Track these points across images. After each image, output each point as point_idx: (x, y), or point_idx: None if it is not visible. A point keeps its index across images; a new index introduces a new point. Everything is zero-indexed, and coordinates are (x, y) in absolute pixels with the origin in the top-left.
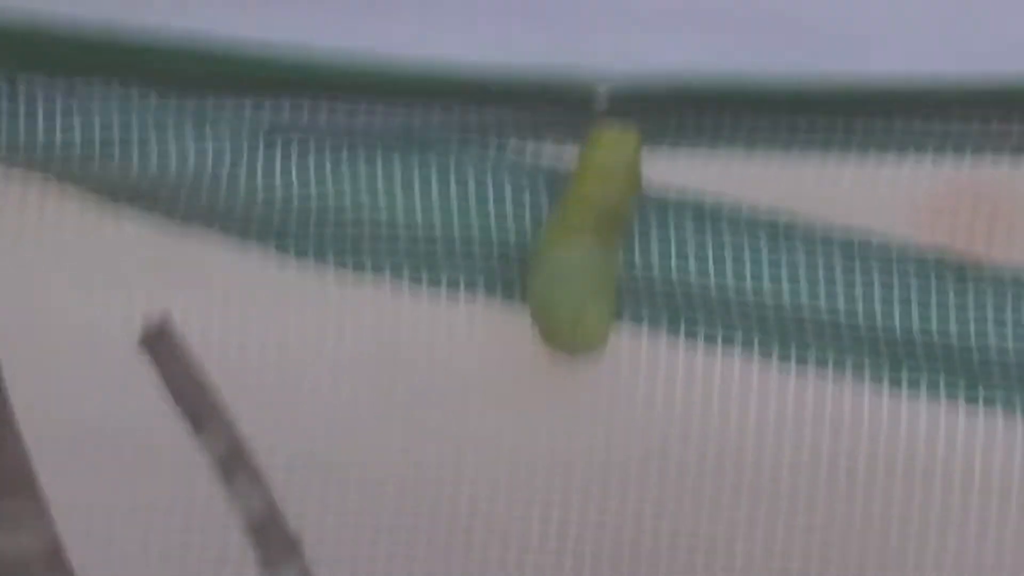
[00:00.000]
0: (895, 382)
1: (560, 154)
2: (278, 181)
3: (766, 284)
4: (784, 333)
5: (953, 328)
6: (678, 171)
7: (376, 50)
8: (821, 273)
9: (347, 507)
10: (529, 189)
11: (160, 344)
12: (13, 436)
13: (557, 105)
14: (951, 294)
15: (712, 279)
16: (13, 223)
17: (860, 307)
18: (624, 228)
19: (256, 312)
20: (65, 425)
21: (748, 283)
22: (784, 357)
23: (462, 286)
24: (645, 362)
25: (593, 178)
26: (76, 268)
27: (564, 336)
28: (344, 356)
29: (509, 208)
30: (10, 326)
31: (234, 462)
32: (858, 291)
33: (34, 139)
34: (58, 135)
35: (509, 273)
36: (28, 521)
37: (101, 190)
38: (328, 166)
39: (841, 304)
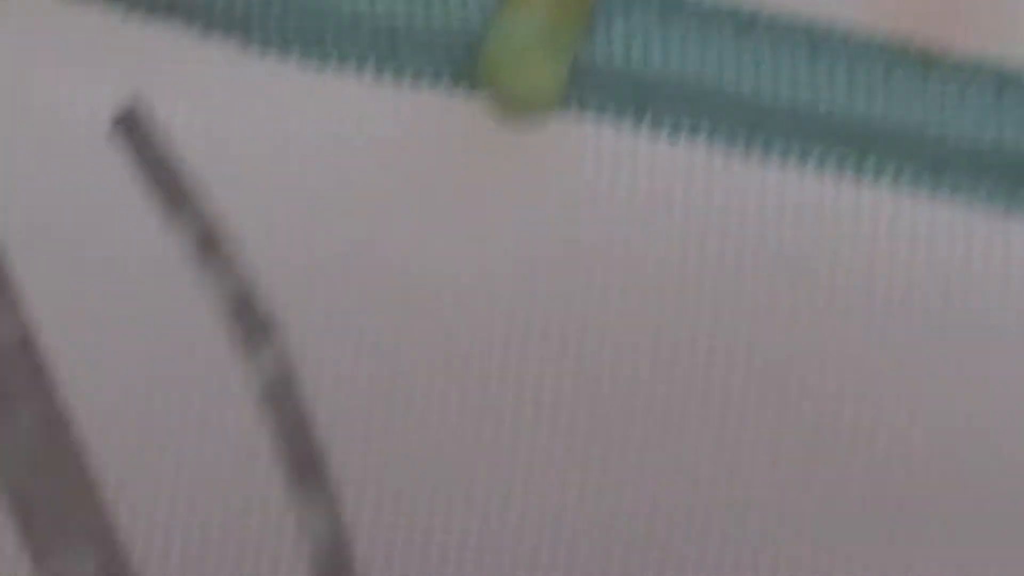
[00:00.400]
0: (859, 171)
1: None
2: None
3: (728, 74)
4: (750, 124)
5: (916, 117)
6: None
7: None
8: (784, 63)
9: (323, 278)
10: None
11: (132, 129)
12: None
13: None
14: (913, 82)
15: (676, 67)
16: None
17: (824, 96)
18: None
19: (224, 101)
20: (35, 213)
21: (711, 72)
22: (748, 148)
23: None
24: (607, 152)
25: None
26: (44, 55)
27: (508, 76)
28: (310, 146)
29: None
30: None
31: (208, 246)
32: (821, 80)
33: None
34: None
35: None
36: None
37: None
38: None
39: (804, 94)
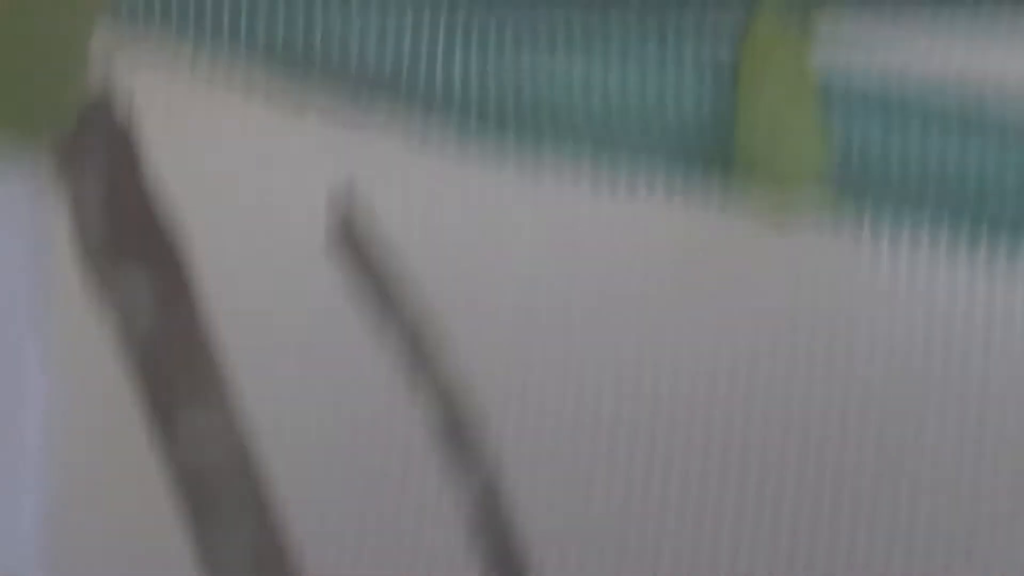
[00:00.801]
0: None
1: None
2: (456, 73)
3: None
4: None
5: None
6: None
7: None
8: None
9: (529, 396)
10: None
11: (348, 235)
12: (207, 340)
13: None
14: None
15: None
16: (204, 120)
17: None
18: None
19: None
20: (248, 322)
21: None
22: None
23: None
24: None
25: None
26: (264, 161)
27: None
28: (528, 248)
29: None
30: (205, 223)
31: (417, 351)
32: None
33: (220, 38)
34: (242, 34)
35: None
36: (219, 428)
37: (289, 84)
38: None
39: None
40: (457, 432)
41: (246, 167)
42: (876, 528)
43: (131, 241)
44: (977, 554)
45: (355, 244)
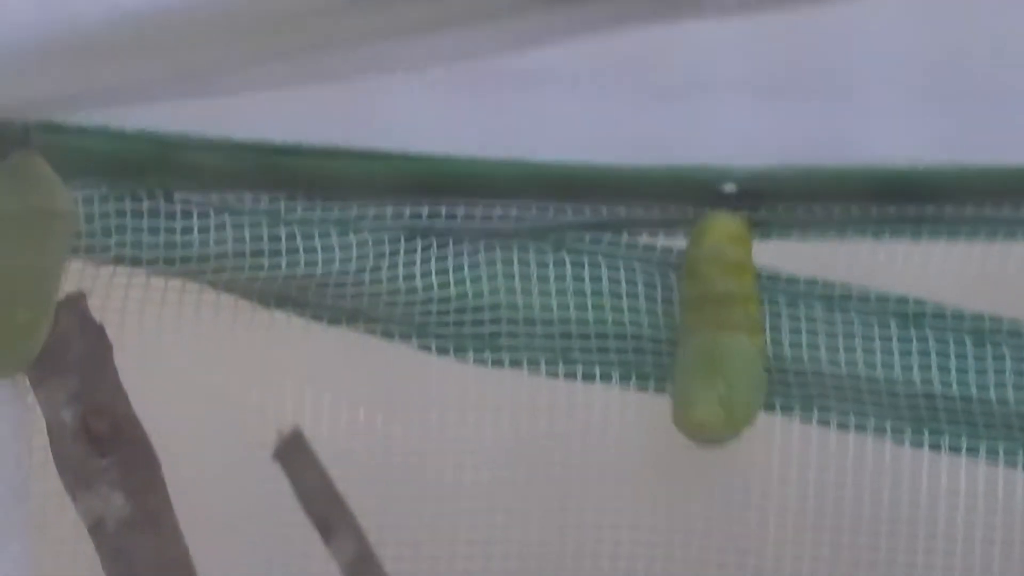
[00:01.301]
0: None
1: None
2: (418, 279)
3: (897, 370)
4: (917, 418)
5: None
6: (803, 259)
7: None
8: (952, 359)
9: None
10: (660, 280)
11: (293, 455)
12: (175, 533)
13: (686, 201)
14: None
15: (843, 365)
16: (170, 327)
17: (992, 393)
18: (754, 316)
19: (397, 409)
20: (192, 520)
21: (879, 369)
22: (916, 442)
23: (598, 377)
24: (779, 447)
25: (692, 280)
26: (221, 365)
27: (679, 424)
28: (484, 451)
29: (642, 300)
30: (153, 421)
31: (361, 569)
32: (990, 376)
33: (190, 251)
34: (212, 246)
35: (644, 363)
36: None
37: (251, 294)
38: (466, 264)
39: (974, 390)
40: None
41: (202, 363)
42: None
43: (102, 440)
44: None
45: (297, 454)
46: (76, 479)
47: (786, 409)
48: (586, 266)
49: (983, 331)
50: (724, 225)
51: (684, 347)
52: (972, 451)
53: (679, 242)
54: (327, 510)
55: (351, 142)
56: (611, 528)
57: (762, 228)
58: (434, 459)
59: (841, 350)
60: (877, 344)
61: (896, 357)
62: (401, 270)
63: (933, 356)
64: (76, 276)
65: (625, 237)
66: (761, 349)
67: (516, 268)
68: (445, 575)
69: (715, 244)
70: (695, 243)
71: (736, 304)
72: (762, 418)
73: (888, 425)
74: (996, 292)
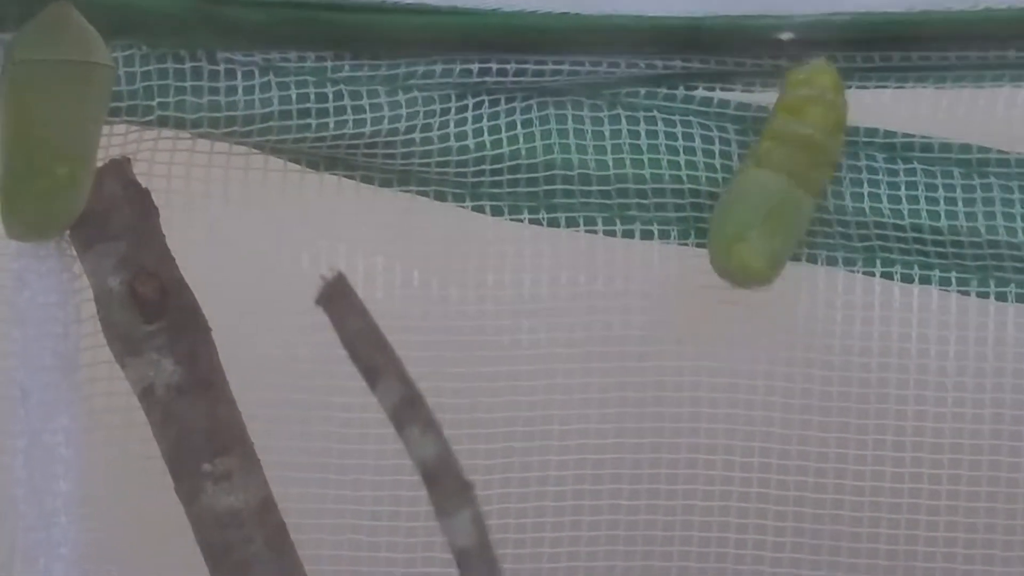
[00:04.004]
0: None
1: (748, 100)
2: (470, 139)
3: (961, 219)
4: (983, 268)
5: None
6: (866, 108)
7: (561, 7)
8: (1017, 207)
9: (524, 456)
10: (718, 135)
11: (337, 300)
12: (226, 397)
13: (742, 52)
14: None
15: (906, 216)
16: (218, 191)
17: None
18: (830, 171)
19: (452, 265)
20: (242, 384)
21: (942, 219)
22: (983, 294)
23: (656, 235)
24: (841, 301)
25: (789, 116)
26: (272, 230)
27: (719, 260)
28: (531, 306)
29: (699, 155)
30: (210, 287)
31: (408, 412)
32: None
33: (235, 112)
34: (257, 107)
35: (703, 220)
36: (241, 477)
37: (300, 157)
38: (519, 122)
39: None
40: (444, 471)
41: (252, 228)
42: None
43: (150, 306)
44: None
45: (342, 299)
46: (124, 346)
47: (848, 262)
48: (641, 122)
49: None
50: (832, 75)
51: (744, 177)
52: None
53: (736, 95)
54: (372, 354)
55: None
56: (672, 387)
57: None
58: (490, 319)
59: (903, 200)
60: (940, 193)
61: (960, 206)
62: (452, 129)
63: (998, 204)
64: (121, 141)
65: (681, 91)
66: (815, 206)
67: (570, 125)
68: (496, 423)
69: (824, 89)
70: (804, 83)
71: (820, 162)
72: (824, 272)
73: (953, 276)
74: None
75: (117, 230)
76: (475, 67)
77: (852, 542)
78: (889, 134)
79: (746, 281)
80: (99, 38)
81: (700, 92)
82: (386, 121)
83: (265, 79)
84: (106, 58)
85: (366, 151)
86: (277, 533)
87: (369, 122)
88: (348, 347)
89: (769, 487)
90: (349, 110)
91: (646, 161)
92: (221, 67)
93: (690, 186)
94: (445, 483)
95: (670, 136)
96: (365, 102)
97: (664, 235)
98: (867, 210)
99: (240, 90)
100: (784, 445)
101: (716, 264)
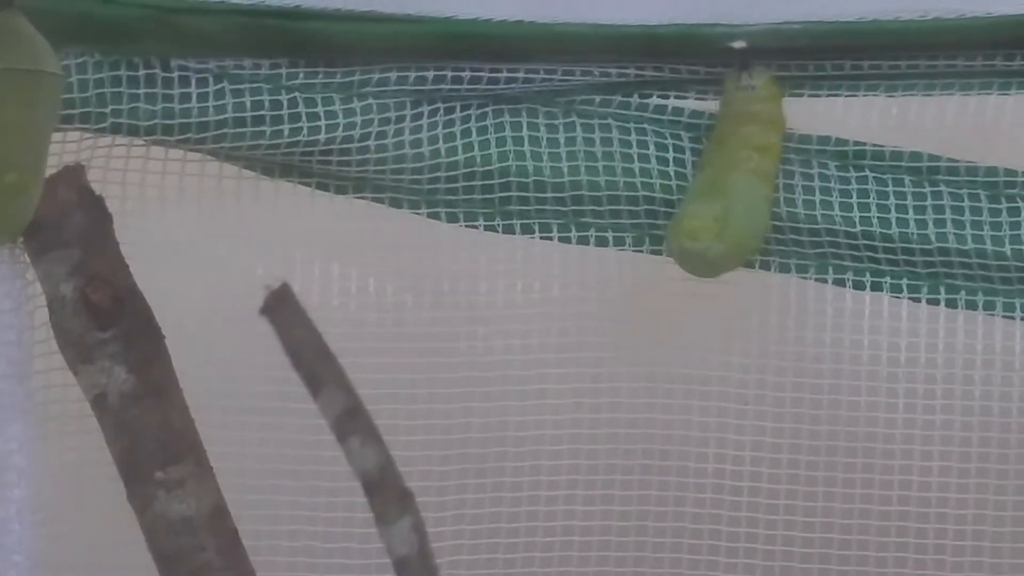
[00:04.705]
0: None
1: (701, 108)
2: (425, 146)
3: (912, 226)
4: (933, 275)
5: None
6: (818, 116)
7: (515, 15)
8: (967, 214)
9: (479, 463)
10: (672, 143)
11: (281, 310)
12: (180, 404)
13: (696, 60)
14: None
15: (857, 223)
16: (173, 198)
17: (1008, 247)
18: (771, 169)
19: (407, 272)
20: (195, 391)
21: (893, 226)
22: (933, 300)
23: (611, 242)
24: (794, 308)
25: (734, 123)
26: (227, 237)
27: (671, 240)
28: (486, 313)
29: (654, 163)
30: (164, 295)
31: (349, 422)
32: (1005, 231)
33: (189, 119)
34: (211, 114)
35: (657, 227)
36: (193, 485)
37: (254, 164)
38: (474, 129)
39: (989, 245)
40: (384, 481)
41: (206, 235)
42: None
43: (103, 313)
44: None
45: (285, 308)
46: (77, 353)
47: (801, 269)
48: (596, 129)
49: (998, 185)
50: (770, 86)
51: (692, 183)
52: (989, 307)
53: (690, 103)
54: (314, 364)
55: (352, 5)
56: (627, 393)
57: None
58: (446, 327)
59: (855, 208)
60: (892, 201)
61: (911, 213)
62: (407, 136)
63: (947, 212)
64: (75, 148)
65: (636, 99)
66: (768, 199)
67: (525, 133)
68: (451, 429)
69: (754, 100)
70: (737, 98)
71: (758, 151)
72: (777, 279)
73: (904, 283)
74: (1013, 146)
75: (70, 237)
76: (430, 75)
77: (804, 547)
78: (841, 142)
79: (697, 256)
80: (48, 46)
81: (654, 100)
82: (341, 128)
83: (219, 86)
84: (55, 66)
85: (321, 158)
86: (230, 540)
87: (324, 129)
88: (292, 356)
89: (723, 493)
90: (304, 117)
91: (601, 168)
92: (175, 74)
93: (644, 193)
94: (385, 492)
95: (625, 144)
96: (320, 109)
97: (619, 242)
98: (819, 217)
99: (194, 97)
100: (738, 451)
101: (670, 246)
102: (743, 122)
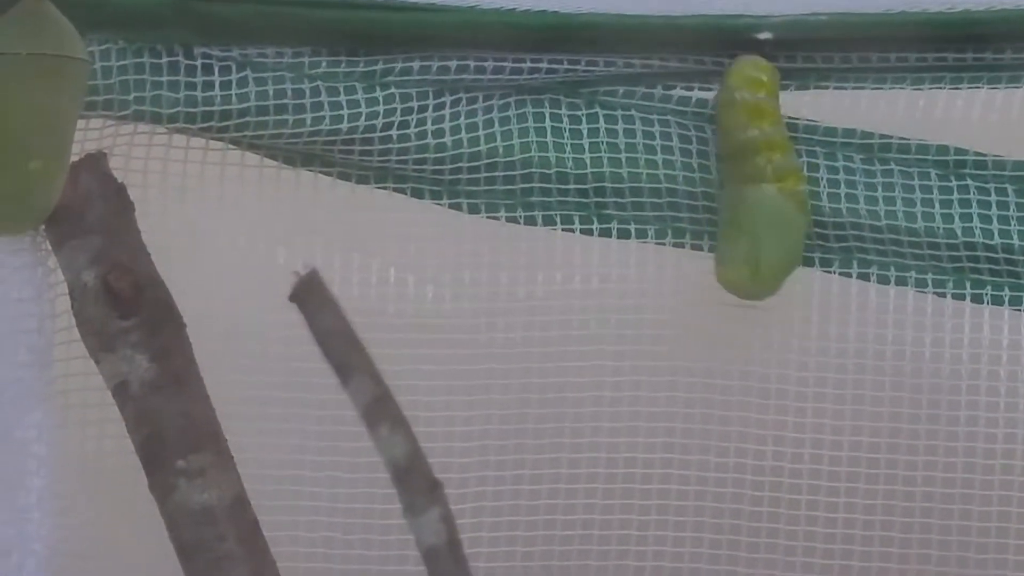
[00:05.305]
0: None
1: None
2: (447, 136)
3: (938, 220)
4: (959, 269)
5: None
6: (844, 109)
7: (536, 4)
8: (994, 208)
9: (499, 455)
10: (696, 135)
11: (310, 297)
12: (201, 393)
13: (721, 51)
14: None
15: (883, 217)
16: (195, 186)
17: None
18: (781, 163)
19: (429, 263)
20: (215, 380)
21: (919, 220)
22: (959, 295)
23: (633, 234)
24: (817, 302)
25: (722, 116)
26: (248, 226)
27: (740, 283)
28: (507, 305)
29: (677, 155)
30: (185, 283)
31: (378, 410)
32: None
33: (211, 107)
34: (234, 103)
35: (679, 219)
36: (214, 474)
37: (277, 153)
38: (496, 120)
39: (1016, 240)
40: (413, 470)
41: (228, 224)
42: None
43: (125, 301)
44: None
45: (315, 296)
46: (98, 342)
47: (825, 263)
48: (620, 121)
49: None
50: (743, 69)
51: (719, 203)
52: (1015, 302)
53: (714, 95)
54: (344, 352)
55: None
56: (648, 387)
57: (799, 77)
58: (467, 318)
59: (880, 201)
60: (917, 195)
61: (937, 207)
62: (429, 126)
63: (974, 206)
64: (97, 135)
65: (659, 90)
66: (794, 193)
67: (548, 123)
68: (472, 421)
69: (734, 89)
70: (720, 93)
71: (758, 152)
72: (801, 272)
73: (929, 277)
74: None
75: (92, 225)
76: (453, 64)
77: (826, 543)
78: (867, 135)
79: (744, 296)
80: (75, 32)
81: (678, 91)
82: (363, 118)
83: (242, 74)
84: (81, 52)
85: (343, 148)
86: (250, 530)
87: (346, 119)
88: (321, 344)
89: (744, 488)
90: (326, 106)
91: (623, 160)
92: (198, 62)
93: (667, 185)
94: (414, 481)
95: (648, 135)
96: (342, 98)
97: (641, 234)
98: (844, 211)
99: (217, 85)
100: (759, 446)
101: (731, 285)
102: (738, 114)
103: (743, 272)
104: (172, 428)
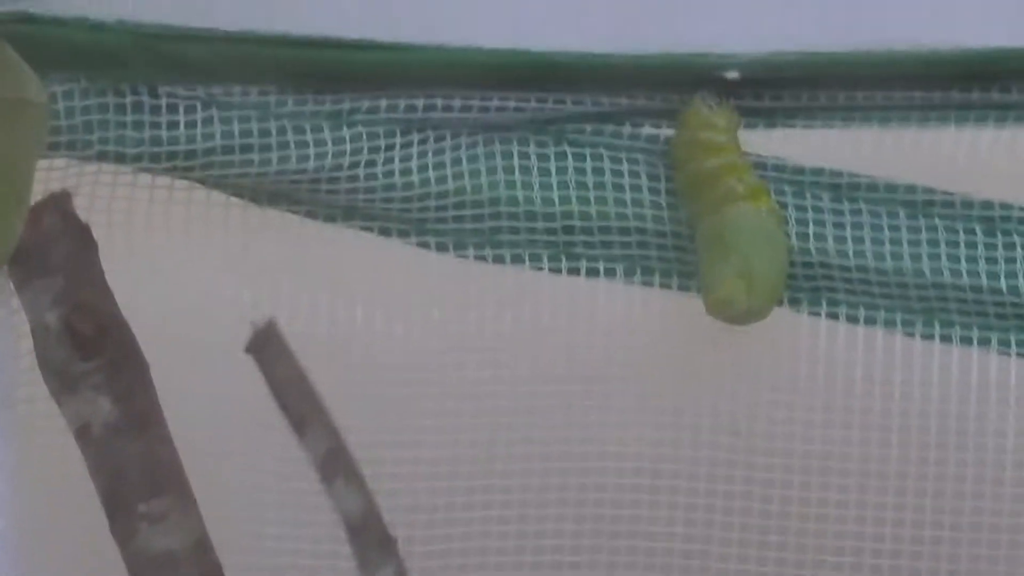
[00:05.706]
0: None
1: None
2: (415, 174)
3: (907, 260)
4: (928, 309)
5: None
6: (810, 147)
7: (504, 43)
8: (963, 248)
9: (467, 496)
10: (664, 173)
11: (266, 348)
12: (164, 435)
13: (688, 90)
14: None
15: (851, 256)
16: (159, 226)
17: (1003, 282)
18: (750, 182)
19: (397, 301)
20: (179, 422)
21: (888, 259)
22: (927, 334)
23: (602, 272)
24: (786, 342)
25: (678, 153)
26: (214, 265)
27: (705, 301)
28: (476, 343)
29: (646, 193)
30: (149, 324)
31: (334, 464)
32: (1001, 265)
33: (176, 147)
34: (199, 141)
35: (648, 257)
36: (177, 518)
37: (243, 191)
38: (464, 158)
39: (984, 280)
40: (367, 525)
41: (193, 263)
42: None
43: (88, 342)
44: None
45: (271, 347)
46: (61, 383)
47: (794, 303)
48: (588, 159)
49: (993, 219)
50: (695, 114)
51: (695, 238)
52: (984, 342)
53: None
54: (299, 404)
55: (342, 32)
56: (617, 426)
57: (767, 116)
58: (435, 356)
59: (849, 241)
60: (886, 234)
61: (905, 247)
62: (397, 165)
63: (943, 245)
64: (61, 174)
65: (627, 128)
66: (770, 210)
67: (516, 161)
68: (439, 462)
69: (688, 131)
70: (674, 135)
71: (727, 175)
72: (771, 312)
73: (898, 317)
74: (1007, 179)
75: (55, 265)
76: (420, 103)
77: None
78: (835, 174)
79: (738, 315)
80: (33, 75)
81: (646, 129)
82: (330, 156)
83: (208, 113)
84: (40, 95)
85: (310, 186)
86: (213, 574)
87: (313, 157)
88: (277, 396)
89: (713, 528)
90: (292, 145)
91: (592, 198)
92: (163, 101)
93: (636, 224)
94: (368, 537)
95: (616, 174)
96: (309, 137)
97: (610, 272)
98: (812, 250)
99: (182, 124)
100: (729, 486)
101: (709, 313)
102: (696, 149)
103: (738, 286)
104: (134, 471)
